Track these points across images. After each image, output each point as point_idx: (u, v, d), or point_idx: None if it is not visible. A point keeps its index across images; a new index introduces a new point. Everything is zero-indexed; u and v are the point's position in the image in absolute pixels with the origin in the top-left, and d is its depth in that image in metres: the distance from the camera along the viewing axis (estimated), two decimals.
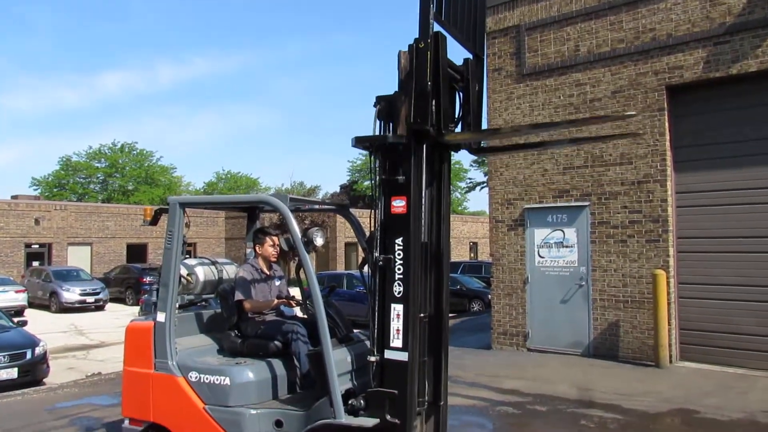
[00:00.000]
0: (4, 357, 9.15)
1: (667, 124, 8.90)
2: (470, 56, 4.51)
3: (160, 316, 4.54)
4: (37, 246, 29.37)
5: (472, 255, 41.16)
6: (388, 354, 3.90)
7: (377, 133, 4.12)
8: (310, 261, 4.23)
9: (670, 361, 8.58)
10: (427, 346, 4.24)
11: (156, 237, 32.24)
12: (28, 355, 9.39)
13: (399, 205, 3.97)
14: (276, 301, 4.86)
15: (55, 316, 19.82)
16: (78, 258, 29.64)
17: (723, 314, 8.47)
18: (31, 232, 29.17)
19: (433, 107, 3.97)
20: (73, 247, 30.35)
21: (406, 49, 4.03)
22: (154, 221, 5.05)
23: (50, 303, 21.28)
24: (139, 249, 32.60)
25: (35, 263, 27.83)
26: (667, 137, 8.90)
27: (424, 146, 4.04)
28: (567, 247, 9.64)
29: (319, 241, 4.31)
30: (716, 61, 8.47)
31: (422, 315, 4.12)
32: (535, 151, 9.87)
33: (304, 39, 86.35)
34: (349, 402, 3.93)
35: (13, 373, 9.09)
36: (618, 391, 7.24)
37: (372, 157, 4.12)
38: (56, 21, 76.43)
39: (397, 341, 3.88)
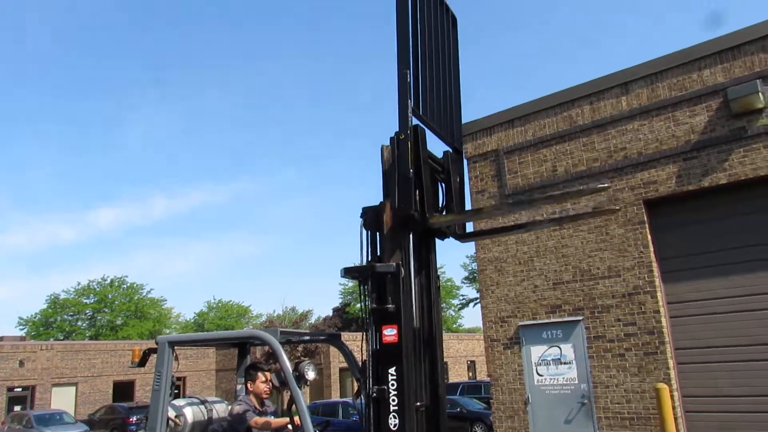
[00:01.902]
0: None
1: (649, 237, 9.12)
2: (450, 150, 4.75)
3: None
4: (20, 389, 28.30)
5: (470, 374, 40.01)
6: None
7: (364, 244, 4.22)
8: (302, 395, 4.14)
9: None
10: None
11: (144, 373, 31.20)
12: None
13: (390, 333, 3.97)
14: (283, 420, 4.66)
15: None
16: (62, 399, 28.49)
17: (733, 428, 8.16)
18: (15, 375, 28.24)
19: (417, 195, 4.13)
20: (57, 388, 29.27)
21: (389, 143, 4.27)
22: (142, 362, 4.97)
23: None
24: (127, 386, 31.48)
25: (17, 408, 26.68)
26: (651, 249, 9.08)
27: (411, 235, 4.17)
28: (565, 363, 9.47)
29: (310, 375, 4.25)
30: (687, 175, 8.86)
31: (418, 404, 4.01)
32: (519, 233, 9.85)
33: (295, 168, 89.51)
34: None
35: None
36: None
37: (362, 287, 4.18)
38: (56, 157, 79.07)
39: None
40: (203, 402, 5.12)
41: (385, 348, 3.96)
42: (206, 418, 4.98)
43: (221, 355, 35.77)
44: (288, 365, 4.16)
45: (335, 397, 28.83)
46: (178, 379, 32.31)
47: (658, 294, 8.93)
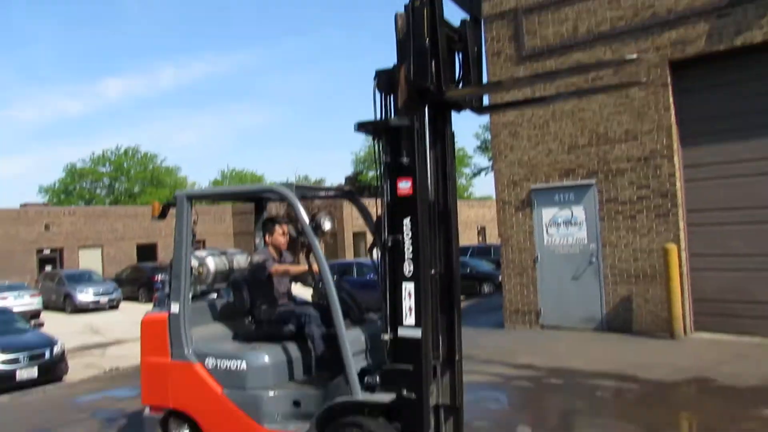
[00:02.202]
0: (24, 357, 9.31)
1: (671, 99, 8.85)
2: (467, 17, 4.51)
3: (174, 307, 4.61)
4: (48, 251, 29.64)
5: (480, 239, 41.16)
6: (402, 332, 3.94)
7: (378, 106, 4.13)
8: (319, 246, 4.27)
9: (685, 333, 8.60)
10: (439, 304, 4.26)
11: (165, 236, 32.48)
12: (47, 355, 9.55)
13: (405, 186, 4.00)
14: (302, 266, 4.84)
15: (70, 317, 20.04)
16: (89, 261, 29.90)
17: (737, 284, 8.44)
18: (42, 239, 29.44)
19: (433, 67, 4.00)
20: (84, 250, 30.62)
21: (403, 11, 4.04)
22: (162, 215, 5.11)
23: (65, 305, 21.51)
24: (149, 249, 32.84)
25: (48, 267, 28.10)
26: (672, 112, 8.85)
27: (426, 107, 4.08)
28: (576, 225, 9.64)
29: (327, 226, 4.35)
30: (719, 33, 8.39)
31: (432, 272, 4.15)
32: (539, 107, 9.72)
33: (297, 36, 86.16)
34: (365, 380, 3.99)
35: (33, 372, 9.25)
36: (633, 362, 7.27)
37: (375, 141, 4.15)
38: (57, 31, 76.77)
39: (409, 319, 3.92)
40: (224, 253, 5.33)
41: (400, 200, 4.00)
42: (227, 268, 5.19)
43: (237, 219, 36.89)
44: (304, 216, 4.25)
45: (350, 259, 29.97)
46: (198, 242, 33.65)
47: (675, 158, 8.85)
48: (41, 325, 11.18)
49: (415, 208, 3.95)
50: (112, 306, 21.66)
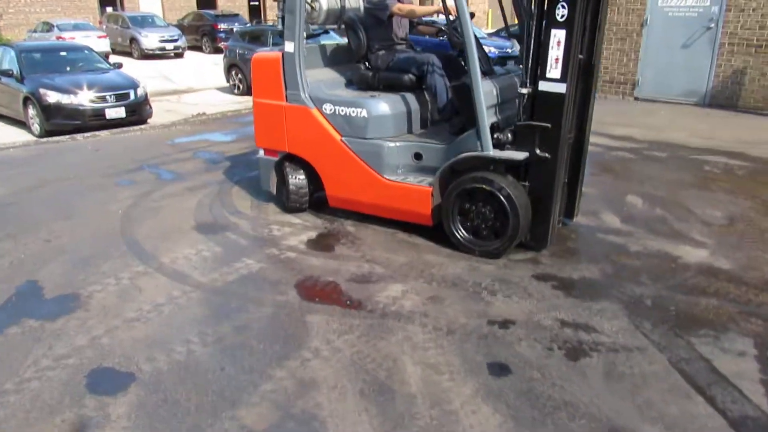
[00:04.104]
0: (111, 96, 9.42)
1: None
2: None
3: (289, 46, 4.30)
4: None
5: None
6: (543, 86, 3.61)
7: None
8: None
9: None
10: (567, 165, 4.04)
11: None
12: (132, 96, 9.63)
13: None
14: (434, 6, 4.36)
15: (139, 62, 20.04)
16: (149, 4, 29.03)
17: None
18: None
19: None
20: None
21: None
22: None
23: (132, 49, 21.42)
24: None
25: (109, 9, 27.50)
26: None
27: None
28: None
29: None
30: None
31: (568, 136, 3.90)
32: None
33: None
34: (495, 135, 3.78)
35: (121, 111, 9.43)
36: (740, 139, 6.88)
37: None
38: None
39: (554, 71, 3.56)
40: None
41: None
42: (339, 6, 4.73)
43: None
44: None
45: None
46: None
47: None
48: (120, 65, 11.13)
49: None
50: (178, 54, 21.38)
